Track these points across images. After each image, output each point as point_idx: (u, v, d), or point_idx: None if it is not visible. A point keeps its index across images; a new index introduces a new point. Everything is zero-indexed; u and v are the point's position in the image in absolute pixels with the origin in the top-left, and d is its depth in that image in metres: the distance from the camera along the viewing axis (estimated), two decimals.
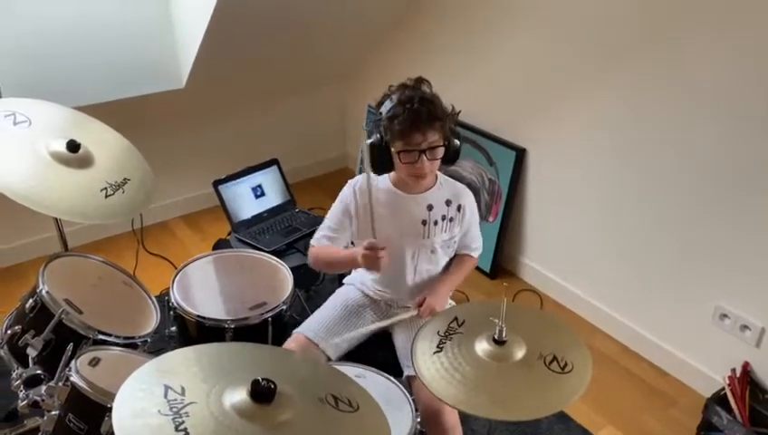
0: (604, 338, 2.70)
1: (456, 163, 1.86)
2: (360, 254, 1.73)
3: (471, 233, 1.97)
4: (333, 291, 2.09)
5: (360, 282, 2.02)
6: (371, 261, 1.72)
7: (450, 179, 1.94)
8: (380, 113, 1.75)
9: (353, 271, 2.07)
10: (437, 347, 1.48)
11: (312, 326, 1.89)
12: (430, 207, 1.86)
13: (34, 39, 2.61)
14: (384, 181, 1.88)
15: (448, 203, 1.88)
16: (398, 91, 1.74)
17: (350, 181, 1.91)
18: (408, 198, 1.86)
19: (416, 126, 1.69)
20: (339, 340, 1.86)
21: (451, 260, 1.99)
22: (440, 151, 1.76)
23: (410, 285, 1.93)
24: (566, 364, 1.43)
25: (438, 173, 1.90)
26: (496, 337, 1.45)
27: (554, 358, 1.44)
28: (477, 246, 2.01)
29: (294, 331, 1.90)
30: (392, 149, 1.74)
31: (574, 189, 2.72)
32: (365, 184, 1.78)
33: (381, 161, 1.77)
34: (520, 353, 1.45)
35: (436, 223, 1.87)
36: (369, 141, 1.76)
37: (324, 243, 1.90)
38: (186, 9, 2.78)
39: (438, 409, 1.69)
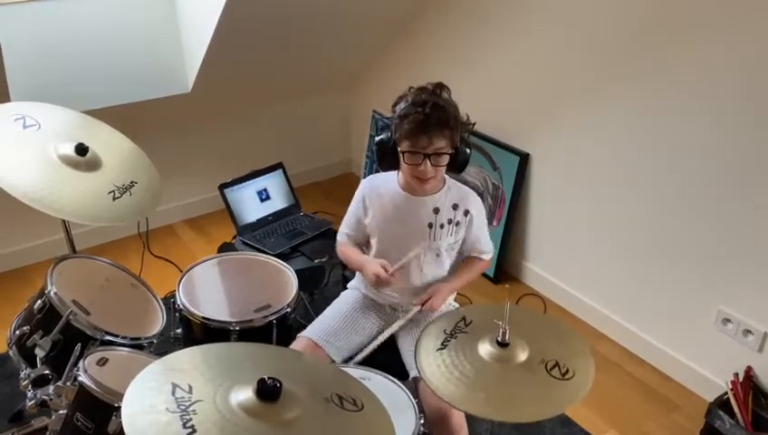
0: (607, 342, 2.71)
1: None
2: (372, 272, 1.83)
3: (481, 237, 1.97)
4: (338, 294, 2.10)
5: (364, 286, 2.04)
6: (379, 283, 1.84)
7: (458, 183, 1.95)
8: (394, 111, 1.79)
9: (358, 274, 2.09)
10: (442, 344, 1.50)
11: (316, 330, 1.91)
12: (437, 211, 1.87)
13: (43, 44, 2.64)
14: (392, 183, 1.90)
15: (455, 207, 1.89)
16: (415, 92, 1.77)
17: (361, 183, 1.97)
18: (415, 201, 1.88)
19: (423, 129, 1.71)
20: (343, 344, 1.89)
21: (458, 264, 2.00)
22: (445, 159, 1.77)
23: (416, 287, 1.94)
24: (567, 371, 1.44)
25: (446, 177, 1.92)
26: (499, 339, 1.47)
27: (556, 364, 1.45)
28: (488, 249, 2.00)
29: (299, 334, 1.92)
30: (399, 148, 1.78)
31: (578, 194, 2.73)
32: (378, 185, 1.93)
33: (387, 158, 1.83)
34: (522, 357, 1.46)
35: (442, 226, 1.88)
36: (379, 137, 1.81)
37: (344, 239, 2.01)
38: (192, 14, 2.81)
39: (446, 410, 1.69)
